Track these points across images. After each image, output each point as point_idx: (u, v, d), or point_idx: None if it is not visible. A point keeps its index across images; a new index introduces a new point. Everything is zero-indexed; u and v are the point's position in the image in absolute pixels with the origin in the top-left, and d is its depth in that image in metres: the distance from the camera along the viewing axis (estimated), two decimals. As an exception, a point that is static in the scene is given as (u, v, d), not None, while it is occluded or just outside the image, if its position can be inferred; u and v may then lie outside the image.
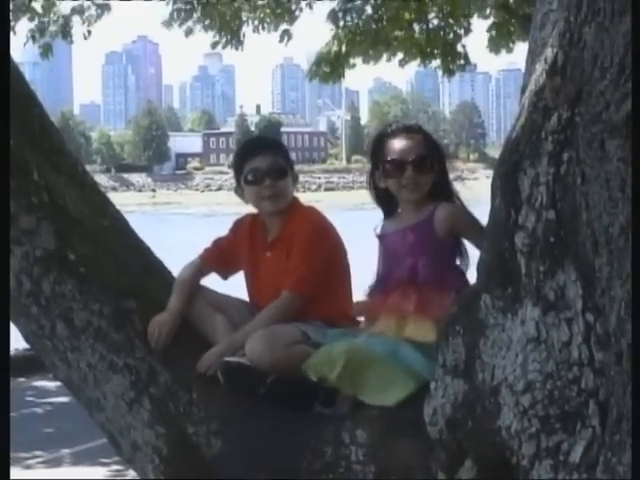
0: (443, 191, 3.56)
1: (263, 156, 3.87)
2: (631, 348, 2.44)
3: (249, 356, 3.50)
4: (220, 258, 3.98)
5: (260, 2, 12.39)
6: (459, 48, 12.96)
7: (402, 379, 3.30)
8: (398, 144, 3.56)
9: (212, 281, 4.00)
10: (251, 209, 4.02)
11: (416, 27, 12.49)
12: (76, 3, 12.39)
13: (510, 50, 12.95)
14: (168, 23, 12.55)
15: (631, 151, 2.43)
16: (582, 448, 2.65)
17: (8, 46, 3.46)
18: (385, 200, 3.66)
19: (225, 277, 4.05)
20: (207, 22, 12.43)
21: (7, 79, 3.31)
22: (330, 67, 12.84)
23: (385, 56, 12.79)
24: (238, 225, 4.02)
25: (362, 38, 12.34)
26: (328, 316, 3.74)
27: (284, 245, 3.81)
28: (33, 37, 12.32)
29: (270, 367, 3.48)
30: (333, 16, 12.53)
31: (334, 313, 3.76)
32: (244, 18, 12.53)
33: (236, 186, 3.99)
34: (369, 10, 12.48)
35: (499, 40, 12.53)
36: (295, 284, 3.75)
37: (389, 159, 3.55)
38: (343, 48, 12.49)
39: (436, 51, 12.64)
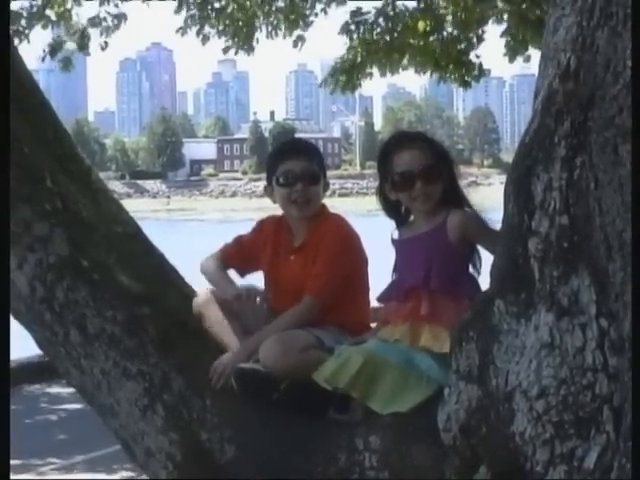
0: (454, 197, 3.54)
1: (298, 159, 3.86)
2: (632, 348, 2.43)
3: (263, 361, 3.49)
4: (241, 255, 3.97)
5: (274, 8, 12.39)
6: (473, 58, 12.93)
7: (416, 386, 3.30)
8: (404, 156, 3.52)
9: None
10: (265, 213, 4.02)
11: (431, 37, 12.46)
12: (92, 14, 12.40)
13: (527, 59, 12.90)
14: (183, 30, 12.56)
15: (632, 155, 2.43)
16: (596, 454, 2.64)
17: (8, 43, 3.46)
18: (397, 211, 3.65)
19: (243, 275, 4.04)
20: (221, 28, 12.42)
21: (7, 77, 3.31)
22: (346, 76, 12.82)
23: (400, 65, 12.76)
24: (262, 225, 4.02)
25: (376, 47, 12.32)
26: (346, 323, 3.74)
27: (311, 250, 3.81)
28: (51, 53, 12.31)
29: (283, 372, 3.47)
30: (346, 29, 12.53)
31: (352, 321, 3.76)
32: (257, 24, 12.52)
33: (266, 185, 3.98)
34: (382, 22, 12.45)
35: (514, 46, 12.49)
36: (318, 289, 3.75)
37: (396, 172, 3.52)
38: (358, 58, 12.47)
39: (450, 63, 12.59)
